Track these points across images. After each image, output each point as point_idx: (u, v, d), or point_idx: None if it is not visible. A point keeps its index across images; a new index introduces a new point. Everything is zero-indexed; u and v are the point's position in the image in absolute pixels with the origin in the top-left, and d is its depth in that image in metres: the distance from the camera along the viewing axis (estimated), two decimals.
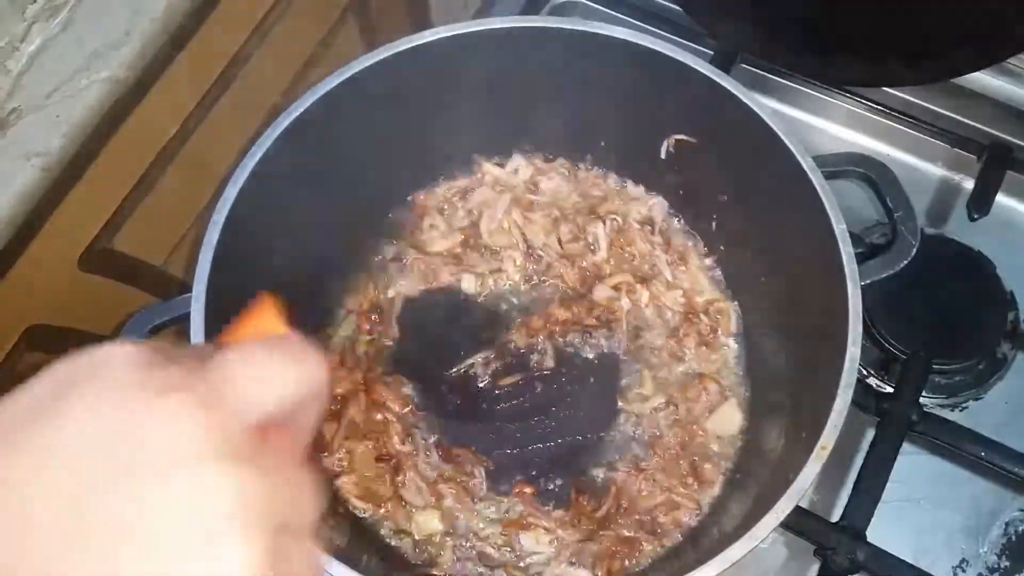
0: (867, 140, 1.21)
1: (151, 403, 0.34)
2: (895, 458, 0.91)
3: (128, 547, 0.32)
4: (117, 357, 0.36)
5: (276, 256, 0.89)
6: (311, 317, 1.01)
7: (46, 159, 0.86)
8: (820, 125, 1.21)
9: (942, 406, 1.04)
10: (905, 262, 0.83)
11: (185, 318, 0.76)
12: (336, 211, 0.96)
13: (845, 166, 0.85)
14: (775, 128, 0.81)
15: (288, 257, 0.90)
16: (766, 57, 1.01)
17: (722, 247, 1.04)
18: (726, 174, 0.96)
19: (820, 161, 0.81)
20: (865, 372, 1.05)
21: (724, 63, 1.08)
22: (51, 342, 0.96)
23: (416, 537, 0.91)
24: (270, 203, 0.85)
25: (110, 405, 0.34)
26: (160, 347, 0.38)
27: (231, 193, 0.80)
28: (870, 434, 0.95)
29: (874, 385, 1.04)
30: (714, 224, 1.03)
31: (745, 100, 0.84)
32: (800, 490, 0.70)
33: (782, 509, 0.69)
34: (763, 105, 0.83)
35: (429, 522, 0.90)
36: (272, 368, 0.38)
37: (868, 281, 0.79)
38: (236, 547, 0.33)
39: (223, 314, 0.76)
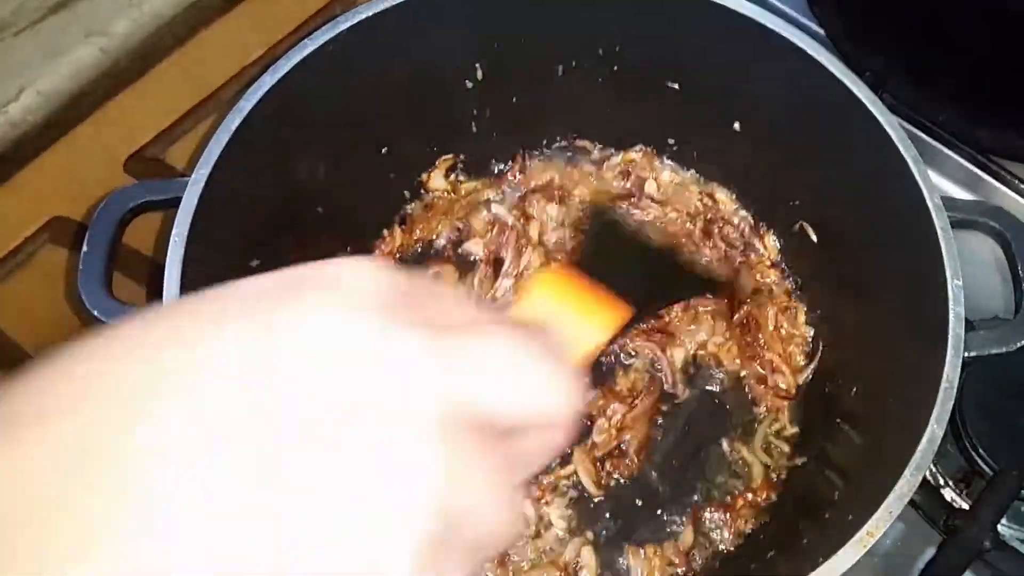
0: None
1: (381, 356, 0.28)
2: None
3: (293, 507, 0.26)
4: (366, 276, 0.30)
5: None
6: None
7: (107, 40, 0.81)
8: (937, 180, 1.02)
9: (1023, 540, 0.89)
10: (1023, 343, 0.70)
11: (171, 204, 0.67)
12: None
13: (977, 216, 0.72)
14: (904, 153, 0.69)
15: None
16: (910, 105, 0.89)
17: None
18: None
19: (948, 204, 0.69)
20: (943, 481, 0.91)
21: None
22: (75, 240, 0.91)
23: None
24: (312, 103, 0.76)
25: (337, 330, 0.28)
26: (418, 284, 0.31)
27: (267, 80, 0.70)
28: (929, 553, 0.84)
29: (948, 498, 0.90)
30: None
31: (875, 112, 0.72)
32: None
33: None
34: (895, 123, 0.71)
35: None
36: (530, 379, 0.31)
37: (973, 354, 0.66)
38: (400, 546, 0.27)
39: (215, 216, 0.67)
